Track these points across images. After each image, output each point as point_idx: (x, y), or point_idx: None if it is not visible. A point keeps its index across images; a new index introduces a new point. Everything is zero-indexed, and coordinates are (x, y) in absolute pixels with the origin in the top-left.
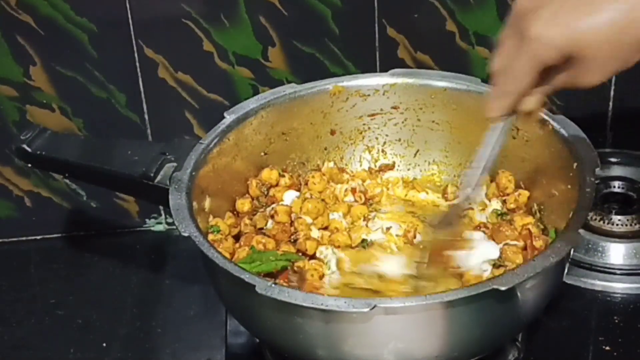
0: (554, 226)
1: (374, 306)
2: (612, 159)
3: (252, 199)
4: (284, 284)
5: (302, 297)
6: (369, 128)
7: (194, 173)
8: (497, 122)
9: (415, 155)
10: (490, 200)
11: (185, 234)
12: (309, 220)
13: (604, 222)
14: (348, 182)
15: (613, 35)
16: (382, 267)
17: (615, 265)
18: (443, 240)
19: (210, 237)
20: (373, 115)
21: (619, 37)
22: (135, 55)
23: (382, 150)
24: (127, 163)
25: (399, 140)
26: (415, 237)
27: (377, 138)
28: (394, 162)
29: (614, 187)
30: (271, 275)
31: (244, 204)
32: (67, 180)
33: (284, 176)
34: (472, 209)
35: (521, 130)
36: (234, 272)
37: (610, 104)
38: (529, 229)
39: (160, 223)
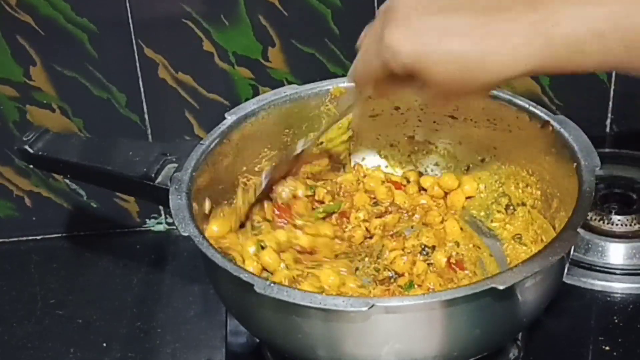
0: (553, 225)
1: (372, 305)
2: (612, 159)
3: None
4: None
5: (301, 296)
6: (370, 130)
7: (194, 174)
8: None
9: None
10: None
11: (185, 234)
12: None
13: (603, 222)
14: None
15: (456, 70)
16: None
17: (615, 265)
18: None
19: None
20: (374, 116)
21: (462, 73)
22: (135, 55)
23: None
24: (128, 164)
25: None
26: None
27: (377, 139)
28: None
29: (614, 187)
30: None
31: None
32: (68, 180)
33: None
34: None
35: (521, 130)
36: (233, 271)
37: (610, 103)
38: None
39: (161, 223)
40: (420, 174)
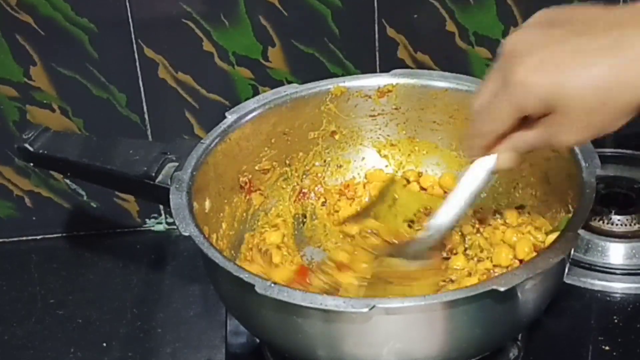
0: (553, 226)
1: (373, 306)
2: (612, 159)
3: None
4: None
5: (301, 296)
6: (371, 129)
7: (194, 173)
8: (474, 160)
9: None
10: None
11: (186, 234)
12: None
13: (603, 222)
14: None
15: (599, 92)
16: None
17: (615, 265)
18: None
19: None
20: (374, 116)
21: (605, 95)
22: (135, 55)
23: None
24: (128, 163)
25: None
26: None
27: (378, 138)
28: None
29: (614, 187)
30: None
31: None
32: (68, 180)
33: None
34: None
35: None
36: (233, 271)
37: None
38: None
39: (161, 223)
40: (420, 174)
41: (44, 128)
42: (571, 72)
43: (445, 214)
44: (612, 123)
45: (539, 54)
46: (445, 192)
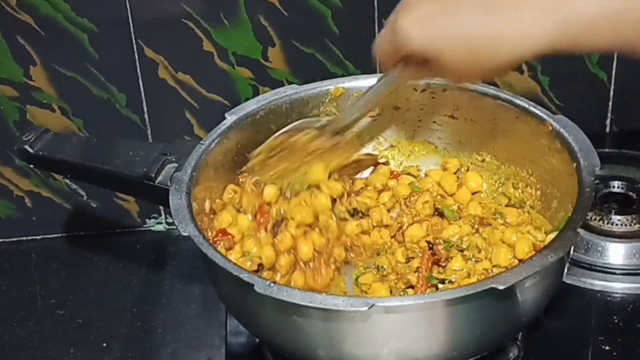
0: (553, 225)
1: (372, 305)
2: (612, 159)
3: None
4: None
5: (301, 296)
6: (370, 130)
7: (194, 173)
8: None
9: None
10: None
11: (185, 234)
12: None
13: (603, 222)
14: None
15: (471, 51)
16: None
17: (615, 265)
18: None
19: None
20: (374, 116)
21: (478, 54)
22: (135, 55)
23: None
24: (128, 164)
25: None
26: None
27: (377, 139)
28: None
29: (614, 187)
30: None
31: None
32: (68, 180)
33: None
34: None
35: (521, 130)
36: (233, 271)
37: (610, 104)
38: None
39: (160, 223)
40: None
41: (44, 130)
42: (447, 30)
43: (351, 106)
44: (489, 75)
45: (424, 8)
46: (447, 193)
